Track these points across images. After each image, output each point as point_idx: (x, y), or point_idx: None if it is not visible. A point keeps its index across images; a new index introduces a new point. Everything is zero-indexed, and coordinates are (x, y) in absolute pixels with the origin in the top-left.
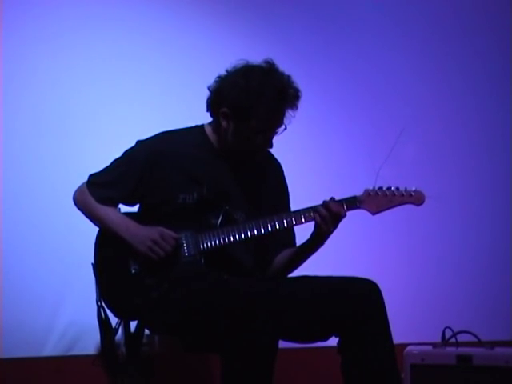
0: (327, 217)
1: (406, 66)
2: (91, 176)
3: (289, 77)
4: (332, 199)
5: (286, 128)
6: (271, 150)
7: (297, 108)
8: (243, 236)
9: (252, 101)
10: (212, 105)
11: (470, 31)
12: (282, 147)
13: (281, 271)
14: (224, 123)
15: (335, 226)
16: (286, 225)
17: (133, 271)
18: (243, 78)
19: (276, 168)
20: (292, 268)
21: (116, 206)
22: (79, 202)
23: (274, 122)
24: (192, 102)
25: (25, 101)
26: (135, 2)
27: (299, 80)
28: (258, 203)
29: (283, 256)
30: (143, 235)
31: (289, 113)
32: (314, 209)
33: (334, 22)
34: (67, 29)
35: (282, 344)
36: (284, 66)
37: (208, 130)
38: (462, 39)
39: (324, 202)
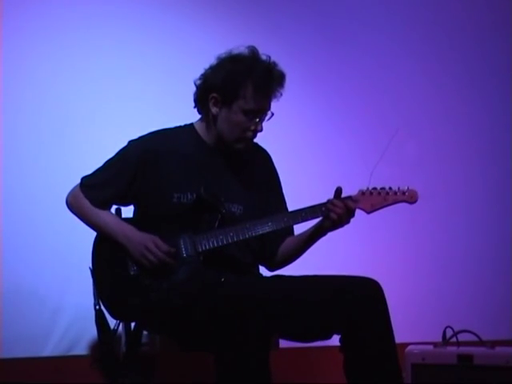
0: (344, 212)
1: (402, 66)
2: (84, 178)
3: (273, 60)
4: (340, 191)
5: (273, 114)
6: (258, 141)
7: (282, 91)
8: (241, 237)
9: (240, 80)
10: (200, 96)
11: (470, 31)
12: (277, 147)
13: (288, 260)
14: (214, 110)
15: (348, 221)
16: (300, 220)
17: (132, 273)
18: (230, 62)
19: (264, 158)
20: (298, 255)
21: (111, 207)
22: (74, 206)
23: (263, 102)
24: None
25: (25, 100)
26: (134, 1)
27: (294, 80)
28: (253, 194)
29: (287, 245)
30: (138, 242)
31: (275, 95)
32: (330, 203)
33: (332, 21)
34: (67, 28)
35: (283, 344)
36: (281, 65)
37: (197, 127)
38: (461, 38)
39: (337, 198)
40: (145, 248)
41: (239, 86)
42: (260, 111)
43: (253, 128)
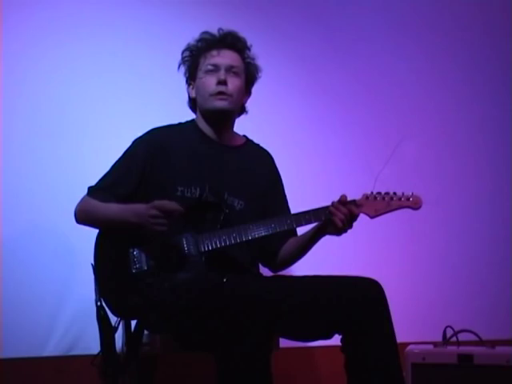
0: (346, 217)
1: (406, 68)
2: (91, 186)
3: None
4: (344, 197)
5: (248, 64)
6: (260, 144)
7: (241, 44)
8: (244, 238)
9: (194, 54)
10: (188, 98)
11: (470, 32)
12: (281, 151)
13: (289, 261)
14: (192, 93)
15: (351, 226)
16: (303, 222)
17: (133, 271)
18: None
19: (267, 157)
20: (300, 256)
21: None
22: (82, 213)
23: (216, 57)
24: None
25: (24, 99)
26: None
27: (299, 82)
28: (255, 190)
29: (289, 246)
30: (143, 213)
31: (233, 47)
32: (332, 207)
33: (335, 23)
34: (67, 27)
35: (283, 344)
36: (284, 68)
37: (199, 122)
38: (463, 40)
39: (340, 201)
40: (150, 216)
41: (195, 58)
42: (217, 65)
43: (217, 80)
